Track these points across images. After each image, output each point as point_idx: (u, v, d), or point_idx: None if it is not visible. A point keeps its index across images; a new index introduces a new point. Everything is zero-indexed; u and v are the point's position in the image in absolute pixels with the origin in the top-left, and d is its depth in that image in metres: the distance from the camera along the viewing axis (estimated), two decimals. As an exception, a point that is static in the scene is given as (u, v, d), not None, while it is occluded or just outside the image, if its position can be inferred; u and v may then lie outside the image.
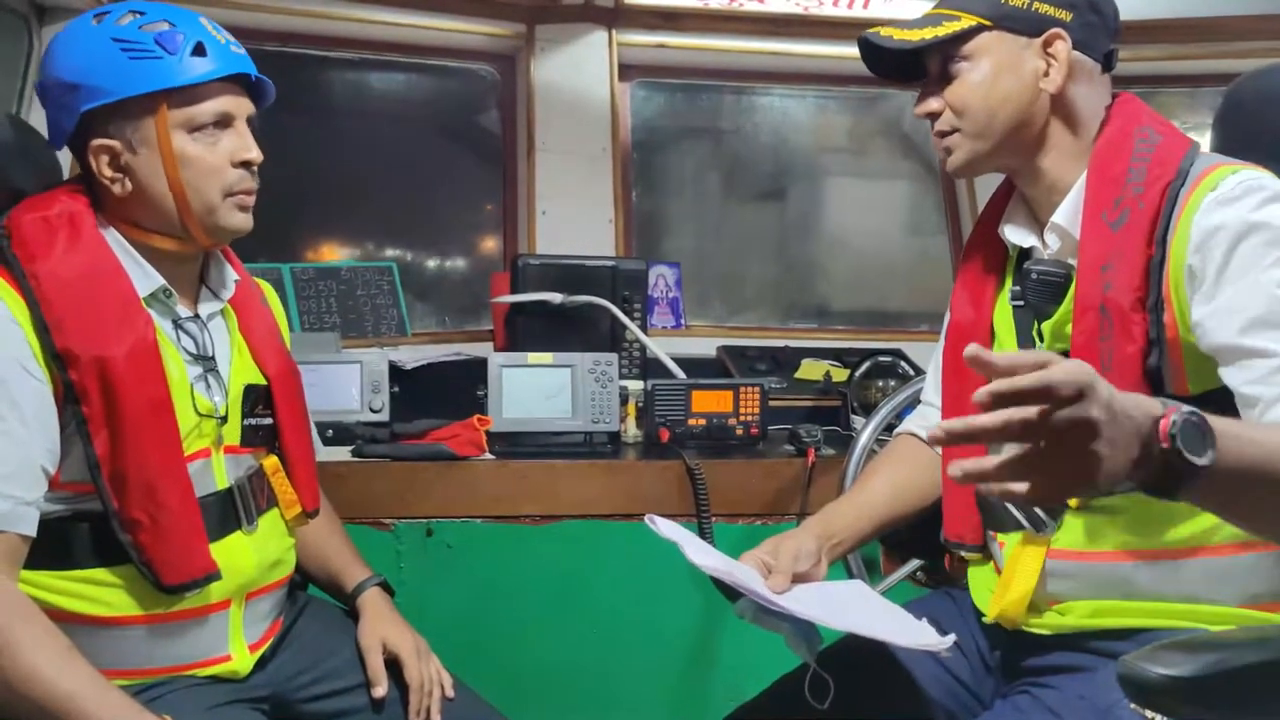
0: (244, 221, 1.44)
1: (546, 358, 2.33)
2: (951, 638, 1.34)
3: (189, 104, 1.36)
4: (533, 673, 2.25)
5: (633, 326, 2.54)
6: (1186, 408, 0.97)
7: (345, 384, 2.32)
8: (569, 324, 2.52)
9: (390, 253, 3.14)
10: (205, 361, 1.44)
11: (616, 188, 3.01)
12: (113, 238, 1.39)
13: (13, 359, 1.26)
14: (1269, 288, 1.19)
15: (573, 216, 2.97)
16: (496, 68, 3.11)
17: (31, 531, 1.28)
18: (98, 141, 1.36)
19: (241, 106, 1.42)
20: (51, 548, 1.30)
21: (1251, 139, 1.45)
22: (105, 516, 1.32)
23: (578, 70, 2.97)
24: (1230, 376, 1.22)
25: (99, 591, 1.34)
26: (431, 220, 3.22)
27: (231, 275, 1.53)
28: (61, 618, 1.31)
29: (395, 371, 2.43)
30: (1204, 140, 1.47)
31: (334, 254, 3.07)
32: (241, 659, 1.46)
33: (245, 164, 1.41)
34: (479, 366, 2.37)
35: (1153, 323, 1.27)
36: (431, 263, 3.24)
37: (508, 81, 3.11)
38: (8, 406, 1.26)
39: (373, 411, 2.32)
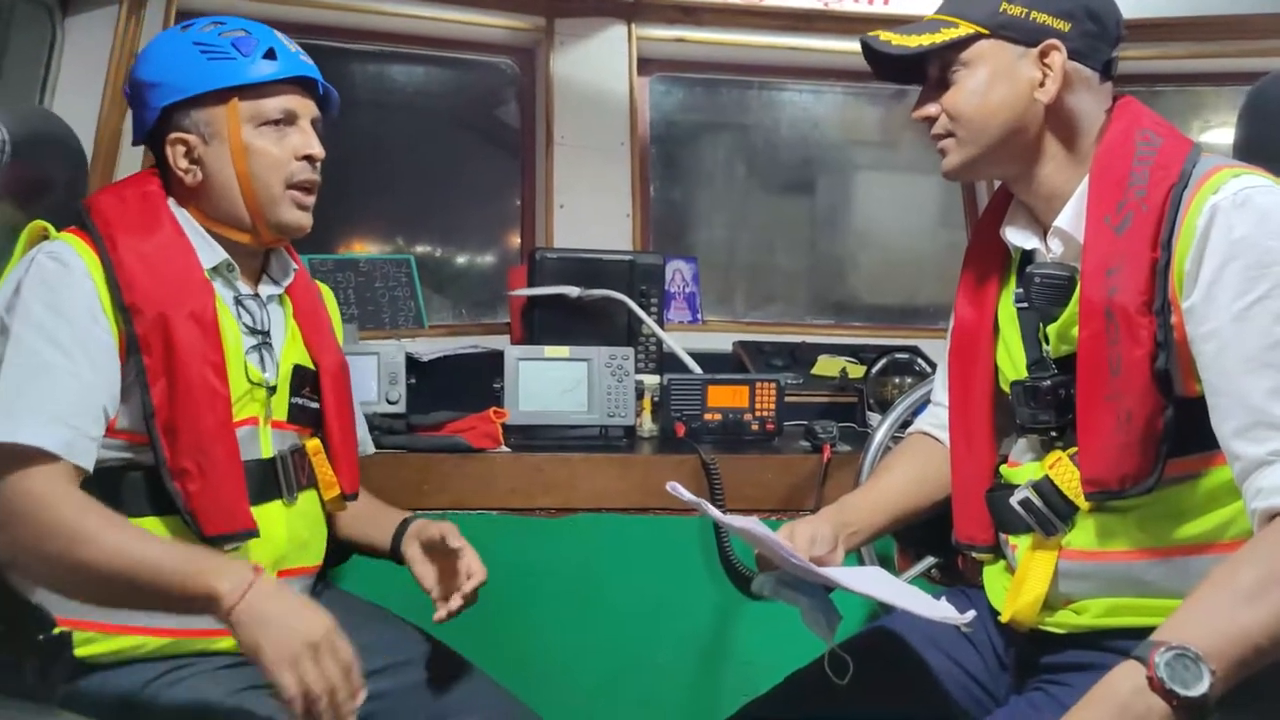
0: (302, 219, 1.54)
1: (563, 351, 2.34)
2: (973, 613, 1.35)
3: (258, 99, 1.49)
4: (548, 664, 2.25)
5: (649, 321, 2.54)
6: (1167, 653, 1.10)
7: (362, 376, 2.32)
8: (586, 318, 2.52)
9: (408, 245, 3.15)
10: (260, 335, 1.53)
11: (634, 182, 3.01)
12: (183, 217, 1.51)
13: (85, 309, 1.36)
14: (1260, 322, 1.20)
15: (590, 210, 2.97)
16: (516, 61, 3.12)
17: (89, 466, 1.35)
18: (175, 134, 1.48)
19: (306, 108, 1.54)
20: (103, 495, 1.34)
21: (1275, 138, 1.44)
22: (156, 468, 1.40)
23: (597, 64, 2.98)
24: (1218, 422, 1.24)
25: None
26: (449, 213, 3.23)
27: (292, 266, 1.63)
28: None
29: (412, 364, 2.43)
30: (1228, 139, 1.46)
31: (352, 246, 3.08)
32: None
33: (308, 158, 1.52)
34: (495, 359, 2.37)
35: (1160, 325, 1.27)
36: (449, 255, 3.25)
37: (527, 75, 3.11)
38: (79, 350, 1.34)
39: (389, 403, 2.32)
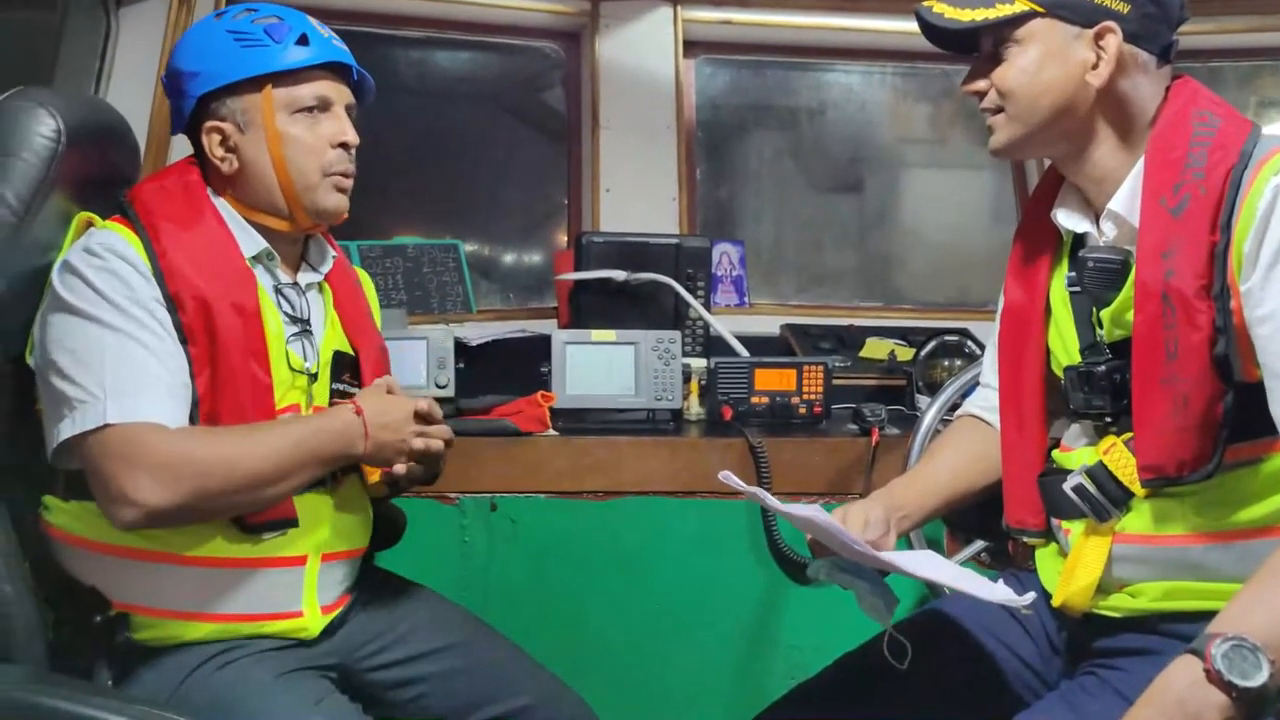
0: (340, 203, 1.54)
1: (610, 335, 2.34)
2: (1032, 595, 1.33)
3: (292, 86, 1.48)
4: (594, 646, 2.26)
5: (696, 304, 2.53)
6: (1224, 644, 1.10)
7: (412, 360, 2.34)
8: (632, 301, 2.52)
9: (455, 230, 3.17)
10: (301, 324, 1.54)
11: (681, 166, 3.00)
12: (222, 206, 1.52)
13: (150, 295, 1.39)
14: None
15: (637, 194, 2.97)
16: (561, 45, 3.12)
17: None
18: (210, 123, 1.49)
19: (341, 94, 1.53)
20: None
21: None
22: None
23: (642, 47, 2.97)
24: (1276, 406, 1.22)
25: (187, 530, 1.40)
26: (496, 199, 3.24)
27: (330, 253, 1.64)
28: (146, 556, 1.39)
29: (461, 348, 2.45)
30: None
31: (399, 232, 3.10)
32: (313, 618, 1.50)
33: (343, 146, 1.52)
34: (543, 343, 2.38)
35: (1219, 310, 1.25)
36: (496, 240, 3.26)
37: (572, 59, 3.11)
38: (161, 330, 1.38)
39: (438, 387, 2.34)
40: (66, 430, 1.32)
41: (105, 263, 1.37)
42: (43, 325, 1.37)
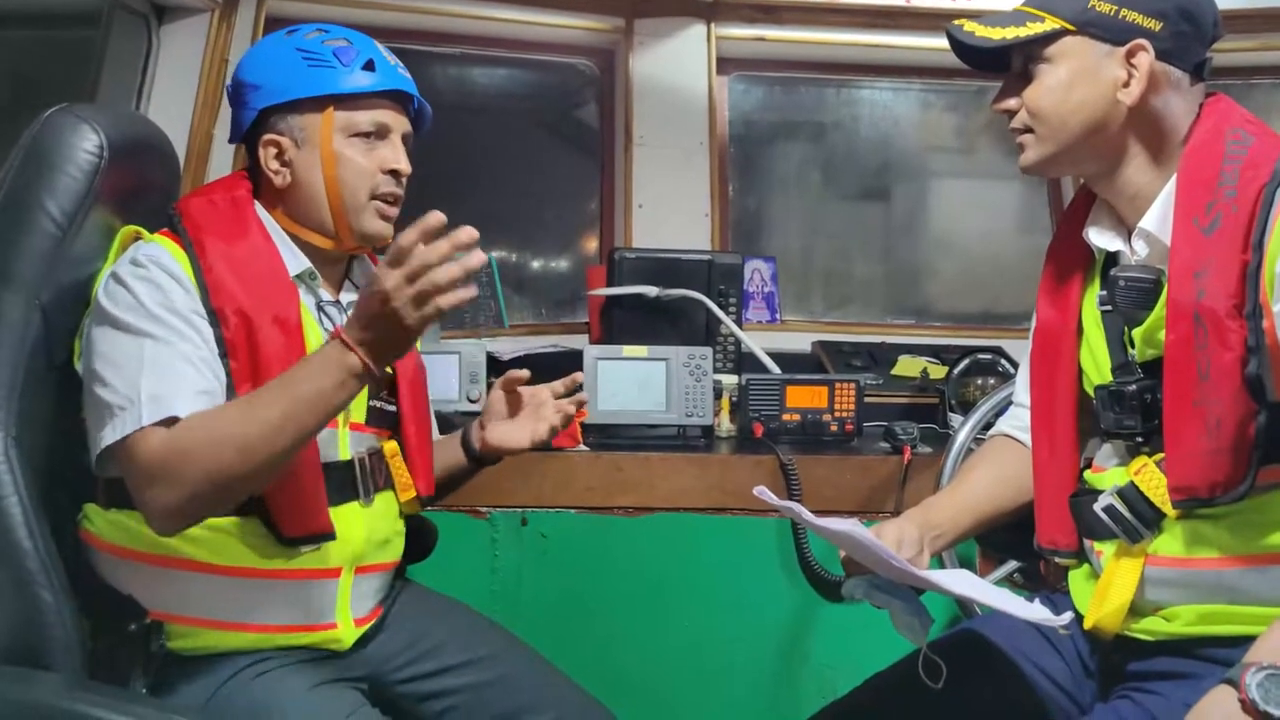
0: (384, 229, 1.55)
1: (641, 351, 2.35)
2: (1068, 615, 1.32)
3: (353, 110, 1.51)
4: (625, 661, 2.26)
5: (728, 321, 2.53)
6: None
7: (444, 374, 2.36)
8: (664, 317, 2.53)
9: (489, 245, 3.18)
10: None
11: (713, 182, 3.01)
12: (269, 222, 1.53)
13: (191, 309, 1.40)
14: None
15: (669, 210, 2.98)
16: (595, 62, 3.13)
17: None
18: (269, 136, 1.51)
19: (399, 123, 1.55)
20: None
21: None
22: None
23: (676, 64, 2.98)
24: None
25: (224, 540, 1.42)
26: (529, 214, 3.25)
27: (374, 274, 1.60)
28: (182, 565, 1.41)
29: (493, 362, 2.46)
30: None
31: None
32: (346, 630, 1.51)
33: (394, 173, 1.53)
34: (575, 359, 2.39)
35: (1251, 330, 1.23)
36: (529, 256, 3.28)
37: (606, 76, 3.12)
38: (200, 340, 1.39)
39: (470, 401, 2.36)
40: (108, 437, 1.33)
41: (148, 273, 1.38)
42: (88, 335, 1.39)
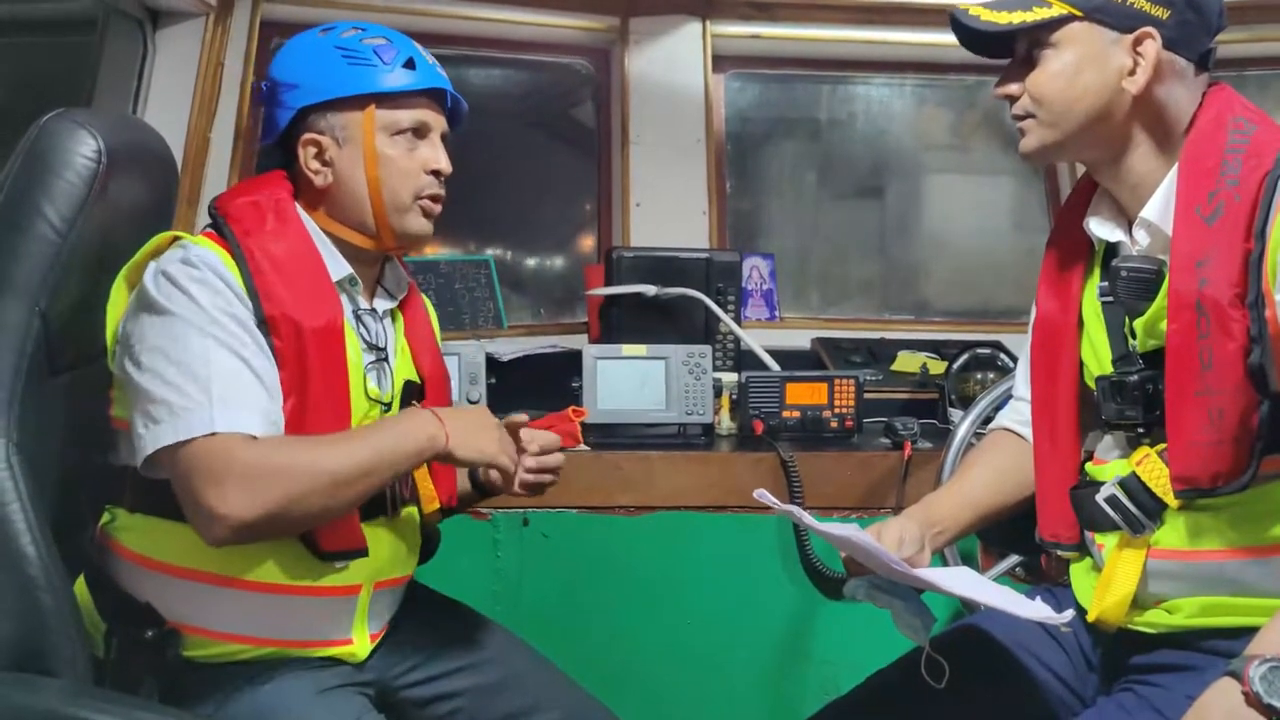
0: (426, 228, 1.53)
1: (640, 350, 2.35)
2: (1070, 613, 1.31)
3: (394, 109, 1.49)
4: (627, 661, 2.26)
5: (726, 318, 2.53)
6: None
7: (443, 375, 2.36)
8: (663, 316, 2.53)
9: (486, 246, 3.18)
10: (378, 351, 1.54)
11: (710, 180, 3.01)
12: (310, 225, 1.50)
13: (248, 318, 1.38)
14: None
15: (667, 209, 2.98)
16: (591, 61, 3.13)
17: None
18: (309, 135, 1.49)
19: (438, 122, 1.54)
20: None
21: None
22: None
23: (671, 62, 2.98)
24: None
25: (253, 556, 1.40)
26: (527, 214, 3.25)
27: (405, 280, 1.63)
28: (203, 578, 1.39)
29: (492, 363, 2.46)
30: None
31: (431, 247, 3.12)
32: (362, 644, 1.50)
33: (435, 173, 1.52)
34: (574, 358, 2.39)
35: (1253, 319, 1.23)
36: (527, 255, 3.28)
37: (602, 74, 3.12)
38: (258, 348, 1.37)
39: (470, 402, 2.35)
40: (167, 436, 1.30)
41: (203, 275, 1.36)
42: (132, 329, 1.36)
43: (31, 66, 2.40)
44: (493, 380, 2.43)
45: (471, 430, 1.42)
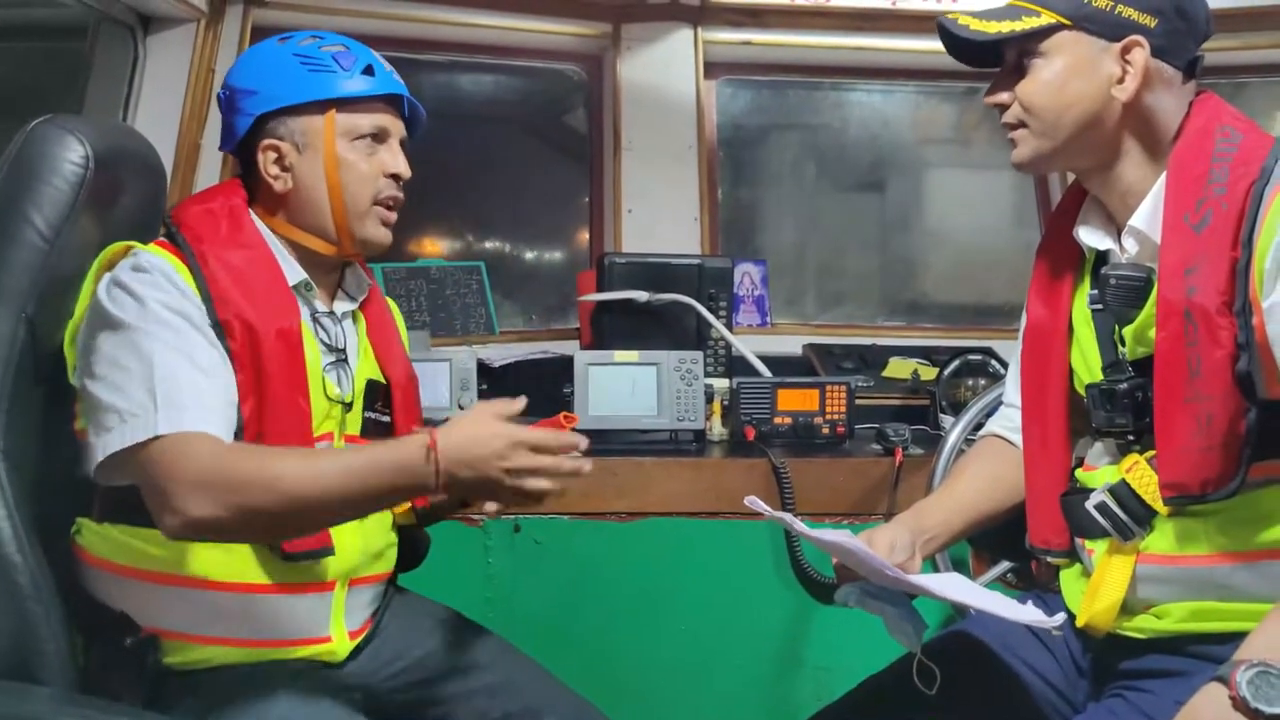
0: (385, 235, 1.56)
1: (632, 356, 2.35)
2: (1061, 617, 1.32)
3: (354, 113, 1.51)
4: (619, 666, 2.26)
5: (718, 324, 2.54)
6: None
7: (435, 382, 2.36)
8: (654, 322, 2.53)
9: (478, 252, 3.19)
10: (337, 353, 1.55)
11: (702, 186, 3.01)
12: (266, 231, 1.52)
13: (200, 319, 1.38)
14: None
15: (659, 215, 2.98)
16: (583, 67, 3.14)
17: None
18: (268, 141, 1.50)
19: (396, 127, 1.57)
20: None
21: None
22: None
23: (664, 69, 2.98)
24: None
25: (220, 556, 1.40)
26: (519, 219, 3.26)
27: (366, 282, 1.64)
28: (176, 581, 1.39)
29: (483, 369, 2.46)
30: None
31: (424, 252, 3.12)
32: (340, 642, 1.50)
33: (395, 177, 1.54)
34: (565, 364, 2.39)
35: (1241, 326, 1.23)
36: (519, 261, 3.28)
37: (594, 81, 3.13)
38: (213, 350, 1.37)
39: (461, 409, 2.35)
40: (115, 443, 1.30)
41: (153, 279, 1.36)
42: (88, 342, 1.36)
43: (22, 73, 2.40)
44: (484, 386, 2.44)
45: (468, 486, 1.34)
